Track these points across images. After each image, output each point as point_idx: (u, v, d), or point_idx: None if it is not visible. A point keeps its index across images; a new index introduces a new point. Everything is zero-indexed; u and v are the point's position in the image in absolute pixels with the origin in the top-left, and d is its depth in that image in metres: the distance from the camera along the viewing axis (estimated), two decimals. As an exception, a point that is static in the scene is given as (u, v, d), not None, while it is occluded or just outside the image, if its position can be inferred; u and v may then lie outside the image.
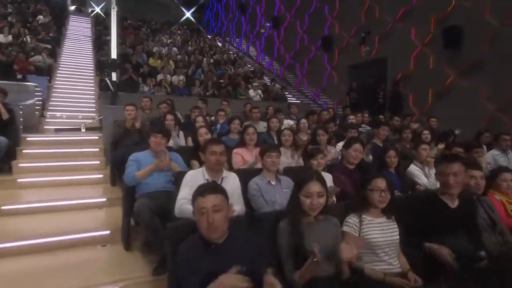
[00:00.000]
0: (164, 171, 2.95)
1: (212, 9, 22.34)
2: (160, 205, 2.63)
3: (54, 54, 9.98)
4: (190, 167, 3.26)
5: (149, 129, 3.79)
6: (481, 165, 2.79)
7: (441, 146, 4.62)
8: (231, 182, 2.46)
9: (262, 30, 15.44)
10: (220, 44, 17.57)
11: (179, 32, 17.47)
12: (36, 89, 6.73)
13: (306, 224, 1.82)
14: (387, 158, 3.38)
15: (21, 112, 5.13)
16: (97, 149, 5.23)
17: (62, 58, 10.53)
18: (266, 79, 12.85)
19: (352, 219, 1.97)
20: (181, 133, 4.37)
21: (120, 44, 11.52)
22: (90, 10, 18.17)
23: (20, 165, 4.51)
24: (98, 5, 17.09)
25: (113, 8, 6.60)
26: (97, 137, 5.63)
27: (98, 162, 4.96)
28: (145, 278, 2.53)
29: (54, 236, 2.95)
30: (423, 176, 3.49)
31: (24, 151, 4.78)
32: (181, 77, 9.62)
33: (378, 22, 9.43)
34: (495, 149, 4.53)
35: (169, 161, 2.90)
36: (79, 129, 6.57)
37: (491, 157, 4.31)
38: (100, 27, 13.95)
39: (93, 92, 8.82)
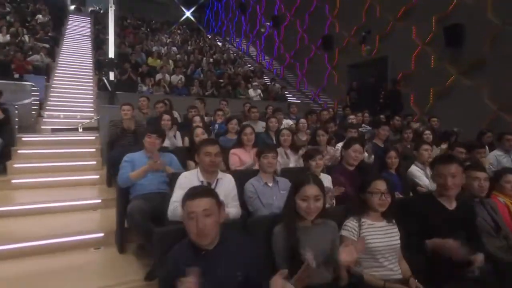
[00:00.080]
0: (158, 172, 2.88)
1: (212, 9, 22.25)
2: (154, 206, 2.57)
3: (52, 53, 9.93)
4: (186, 168, 3.19)
5: (145, 129, 3.72)
6: (484, 166, 2.70)
7: (443, 146, 4.55)
8: (226, 183, 2.39)
9: (262, 30, 15.36)
10: (220, 44, 17.50)
11: (178, 31, 17.41)
12: (33, 88, 6.69)
13: (303, 229, 1.75)
14: (388, 159, 3.31)
15: (16, 112, 5.06)
16: (94, 150, 5.16)
17: (61, 57, 10.49)
18: (266, 79, 12.78)
19: (351, 223, 1.90)
20: (178, 133, 4.30)
21: (119, 43, 11.53)
22: (90, 9, 18.11)
23: (15, 165, 4.44)
24: (97, 4, 17.04)
25: (111, 6, 6.52)
26: (93, 137, 5.56)
27: (94, 162, 4.89)
28: (139, 282, 2.46)
29: (46, 239, 2.88)
30: (424, 177, 3.41)
31: (19, 151, 4.71)
32: (180, 77, 9.56)
33: (378, 21, 9.34)
34: (497, 149, 4.45)
35: (163, 162, 2.83)
36: (77, 129, 6.51)
37: (493, 157, 4.23)
38: (99, 26, 13.88)
39: (92, 92, 8.77)
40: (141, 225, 2.39)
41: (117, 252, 2.89)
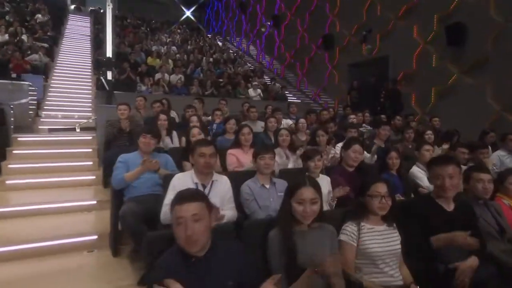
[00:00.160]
0: (153, 174, 2.81)
1: (212, 8, 22.18)
2: (147, 209, 2.50)
3: (51, 53, 9.87)
4: (181, 169, 3.12)
5: (140, 129, 3.64)
6: (489, 168, 2.62)
7: (445, 146, 4.47)
8: (222, 185, 2.32)
9: (263, 29, 15.29)
10: (220, 43, 17.43)
11: (178, 31, 17.34)
12: (31, 88, 6.61)
13: (299, 233, 1.67)
14: (389, 160, 3.23)
15: (12, 111, 5.00)
16: (90, 150, 5.10)
17: (60, 57, 10.44)
18: (266, 78, 12.70)
19: (350, 227, 1.82)
20: (174, 133, 4.22)
21: (118, 43, 11.47)
22: (90, 9, 18.06)
23: (10, 166, 4.38)
24: (98, 4, 16.97)
25: (108, 5, 6.45)
26: (90, 137, 5.50)
27: (91, 163, 4.82)
28: (132, 287, 2.39)
29: (38, 242, 2.82)
30: (426, 178, 3.32)
31: (14, 151, 4.65)
32: (180, 76, 9.49)
33: (379, 20, 9.25)
34: (501, 149, 4.37)
35: (157, 163, 2.76)
36: (74, 129, 6.44)
37: (497, 158, 4.15)
38: (99, 25, 13.82)
39: (90, 92, 8.70)
40: (133, 229, 2.32)
41: (111, 256, 2.82)
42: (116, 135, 4.27)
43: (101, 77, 7.38)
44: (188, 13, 20.67)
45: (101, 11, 16.44)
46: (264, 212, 2.37)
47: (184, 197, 1.36)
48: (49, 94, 8.03)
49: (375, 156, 3.97)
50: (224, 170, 3.32)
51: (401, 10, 8.62)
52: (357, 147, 2.90)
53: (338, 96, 10.67)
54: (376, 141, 4.56)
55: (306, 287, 1.48)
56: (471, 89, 6.92)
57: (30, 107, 6.56)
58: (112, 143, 4.32)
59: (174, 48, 12.91)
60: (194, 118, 4.34)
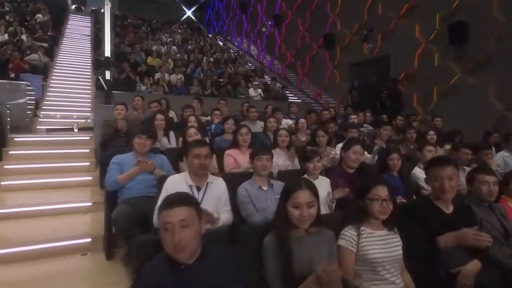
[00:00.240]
0: (148, 175, 2.74)
1: (213, 8, 22.13)
2: (141, 211, 2.42)
3: (51, 53, 9.83)
4: (178, 170, 3.05)
5: (136, 129, 3.57)
6: (493, 170, 2.54)
7: (447, 147, 4.38)
8: (217, 187, 2.24)
9: (264, 29, 15.22)
10: (221, 43, 17.36)
11: (179, 31, 17.28)
12: (29, 88, 6.56)
13: (296, 238, 1.59)
14: (390, 161, 3.14)
15: (8, 111, 4.94)
16: (88, 150, 5.03)
17: (60, 56, 10.39)
18: (267, 78, 12.63)
19: (349, 232, 1.74)
20: (171, 133, 4.15)
21: (118, 43, 11.43)
22: (90, 9, 18.03)
23: (6, 166, 4.32)
24: (98, 4, 16.93)
25: (107, 4, 6.39)
26: (88, 138, 5.44)
27: (88, 163, 4.76)
28: (126, 291, 2.33)
29: (30, 245, 2.76)
30: (428, 179, 3.24)
31: (10, 152, 4.59)
32: (180, 76, 9.43)
33: (381, 19, 9.15)
34: (504, 150, 4.28)
35: (153, 164, 2.69)
36: (72, 129, 6.39)
37: (501, 159, 4.06)
38: (99, 25, 13.78)
39: (90, 91, 8.65)
40: (126, 232, 2.25)
41: (105, 259, 2.75)
42: (112, 136, 4.20)
43: (99, 77, 7.31)
44: (189, 13, 20.64)
45: (102, 11, 16.40)
46: (261, 215, 2.30)
47: (171, 201, 1.29)
48: (48, 94, 7.98)
49: (376, 156, 3.90)
50: (221, 171, 3.26)
51: (402, 9, 8.53)
52: (357, 148, 2.82)
53: (339, 95, 10.58)
54: (377, 141, 4.48)
55: None
56: (473, 89, 6.82)
57: (28, 107, 6.52)
58: (109, 144, 4.25)
59: (174, 48, 12.85)
60: (192, 118, 4.27)
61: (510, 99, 6.20)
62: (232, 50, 16.39)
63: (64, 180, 4.30)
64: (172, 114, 5.60)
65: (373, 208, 1.71)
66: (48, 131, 6.22)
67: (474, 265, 1.82)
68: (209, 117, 5.43)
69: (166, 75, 9.37)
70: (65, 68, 9.71)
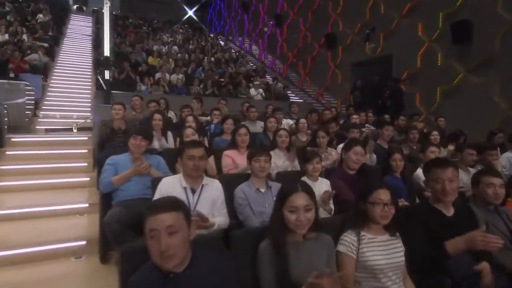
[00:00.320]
0: (144, 176, 2.67)
1: (215, 8, 22.09)
2: (136, 213, 2.33)
3: (51, 52, 9.81)
4: (174, 171, 2.98)
5: (132, 130, 3.51)
6: (500, 172, 2.45)
7: (450, 147, 4.29)
8: (213, 190, 2.17)
9: (265, 29, 15.16)
10: (222, 43, 17.31)
11: (180, 30, 17.24)
12: (28, 88, 6.52)
13: (293, 245, 1.51)
14: (392, 162, 3.05)
15: (5, 111, 4.89)
16: (86, 151, 4.98)
17: (61, 56, 10.37)
18: (268, 78, 12.55)
19: (348, 237, 1.66)
20: (169, 133, 4.08)
21: (119, 42, 11.41)
22: (92, 9, 18.03)
23: (2, 167, 4.27)
24: (100, 4, 16.92)
25: (106, 3, 6.34)
26: (86, 138, 5.38)
27: (85, 164, 4.70)
28: (119, 296, 2.25)
29: (23, 247, 2.70)
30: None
31: (7, 152, 4.55)
32: (180, 76, 9.37)
33: (383, 18, 9.06)
34: (510, 151, 4.19)
35: (148, 166, 2.62)
36: (71, 129, 6.34)
37: (506, 160, 3.96)
38: (100, 25, 13.76)
39: (90, 91, 8.61)
40: (118, 236, 2.18)
41: (99, 262, 2.69)
42: (109, 136, 4.14)
43: (99, 77, 7.27)
44: (190, 12, 20.59)
45: (103, 11, 16.42)
46: (259, 218, 2.22)
47: (157, 206, 1.21)
48: (48, 94, 7.95)
49: (374, 155, 3.79)
50: (220, 172, 3.19)
51: (405, 8, 8.44)
52: (358, 148, 2.73)
53: (341, 95, 10.49)
54: (380, 142, 4.39)
55: None
56: (477, 88, 6.72)
57: (28, 107, 6.47)
58: (106, 144, 4.19)
59: (175, 47, 12.80)
60: (190, 118, 4.20)
61: (514, 99, 6.11)
62: (234, 50, 16.33)
63: (61, 181, 4.24)
64: (171, 114, 5.54)
65: (374, 213, 1.63)
66: (47, 131, 6.18)
67: (486, 265, 1.75)
68: (208, 117, 5.36)
69: (167, 75, 9.32)
70: (66, 68, 9.68)
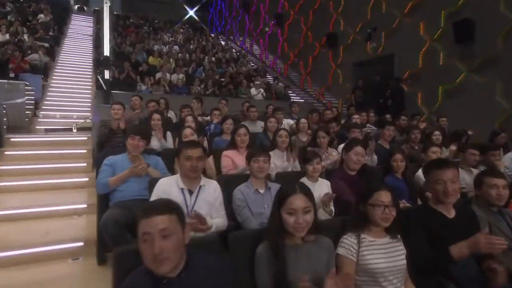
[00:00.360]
0: (142, 177, 2.64)
1: (216, 8, 22.06)
2: (133, 214, 2.31)
3: (52, 52, 9.80)
4: (173, 172, 2.95)
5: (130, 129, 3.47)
6: (503, 173, 2.40)
7: (452, 147, 4.24)
8: (210, 191, 2.14)
9: (267, 28, 15.13)
10: (223, 43, 17.28)
11: (181, 30, 17.22)
12: (28, 87, 6.51)
13: (292, 248, 1.48)
14: (393, 162, 3.01)
15: (4, 111, 4.87)
16: (85, 151, 4.95)
17: (61, 56, 10.36)
18: (269, 78, 12.51)
19: (348, 240, 1.62)
20: (168, 134, 4.05)
21: (120, 42, 11.39)
22: (93, 9, 18.02)
23: (1, 167, 4.24)
24: (101, 3, 16.91)
25: (106, 3, 6.32)
26: (86, 138, 5.36)
27: (85, 164, 4.67)
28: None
29: (20, 249, 2.67)
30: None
31: (6, 152, 4.52)
32: (181, 76, 9.35)
33: (384, 17, 9.02)
34: (513, 151, 4.13)
35: (146, 167, 2.58)
36: (71, 129, 6.32)
37: (509, 160, 3.90)
38: (100, 25, 13.75)
39: (90, 91, 8.59)
40: (115, 238, 2.15)
41: (96, 264, 2.65)
42: (108, 136, 4.10)
43: (98, 76, 7.24)
44: (191, 12, 20.58)
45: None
46: (257, 219, 2.19)
47: (150, 209, 1.18)
48: (48, 94, 7.93)
49: (375, 156, 3.75)
50: (219, 173, 3.15)
51: (406, 7, 8.39)
52: (359, 149, 2.69)
53: (343, 95, 10.45)
54: (381, 142, 4.35)
55: None
56: (480, 88, 6.67)
57: (27, 107, 6.46)
58: (105, 144, 4.15)
59: (176, 47, 12.77)
60: (189, 118, 4.16)
61: (517, 98, 6.06)
62: (235, 49, 16.30)
63: (60, 181, 4.21)
64: (171, 114, 5.51)
65: (375, 215, 1.59)
66: (47, 131, 6.16)
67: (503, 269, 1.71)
68: (208, 117, 5.33)
69: (167, 75, 9.29)
70: (66, 68, 9.67)
